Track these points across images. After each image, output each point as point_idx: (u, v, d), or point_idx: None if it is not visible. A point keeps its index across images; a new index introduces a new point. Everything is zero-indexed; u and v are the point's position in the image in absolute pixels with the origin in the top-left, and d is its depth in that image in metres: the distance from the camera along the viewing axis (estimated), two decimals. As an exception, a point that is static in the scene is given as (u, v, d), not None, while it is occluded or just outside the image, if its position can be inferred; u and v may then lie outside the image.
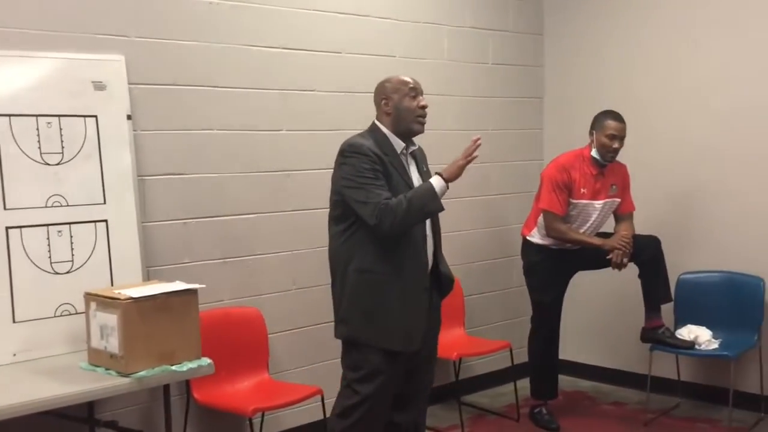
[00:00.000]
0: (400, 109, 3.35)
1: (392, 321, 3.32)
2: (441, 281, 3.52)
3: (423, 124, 3.40)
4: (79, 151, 3.56)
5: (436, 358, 3.71)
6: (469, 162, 3.29)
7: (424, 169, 3.51)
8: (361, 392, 3.36)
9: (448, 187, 3.28)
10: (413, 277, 3.34)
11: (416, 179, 3.41)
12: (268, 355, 4.18)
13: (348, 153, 3.29)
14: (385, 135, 3.37)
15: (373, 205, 3.18)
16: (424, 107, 3.38)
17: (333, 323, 3.50)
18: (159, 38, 3.87)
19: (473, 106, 5.33)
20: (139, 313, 3.10)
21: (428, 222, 3.42)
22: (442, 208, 3.29)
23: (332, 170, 3.41)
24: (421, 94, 3.40)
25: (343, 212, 3.34)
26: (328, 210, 3.45)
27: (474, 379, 5.37)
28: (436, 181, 3.25)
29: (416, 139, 3.49)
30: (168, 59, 3.91)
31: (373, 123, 3.43)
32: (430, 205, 3.24)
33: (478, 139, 3.27)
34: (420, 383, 3.58)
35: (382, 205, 3.17)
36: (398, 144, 3.38)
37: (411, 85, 3.37)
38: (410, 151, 3.43)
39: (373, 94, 3.46)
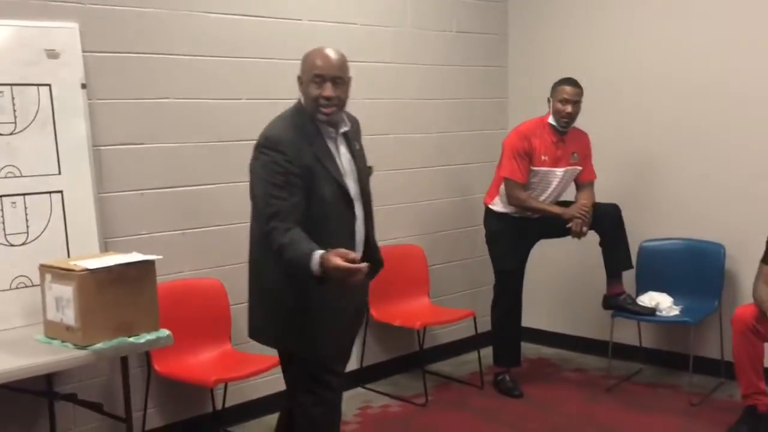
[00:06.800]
0: (305, 95, 3.02)
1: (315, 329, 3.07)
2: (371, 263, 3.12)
3: (327, 114, 2.99)
4: (32, 121, 3.50)
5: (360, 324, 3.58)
6: (347, 281, 2.81)
7: (357, 147, 3.16)
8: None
9: (319, 277, 2.81)
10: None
11: (347, 161, 3.09)
12: (230, 326, 4.16)
13: (263, 148, 2.98)
14: (310, 117, 3.03)
15: (268, 217, 2.91)
16: (327, 98, 2.96)
17: None
18: (113, 5, 3.79)
19: (437, 74, 5.30)
20: (95, 285, 3.07)
21: (359, 203, 3.11)
22: (313, 278, 2.87)
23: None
24: (329, 80, 2.96)
25: None
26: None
27: (438, 348, 5.39)
28: (315, 263, 2.78)
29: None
30: (123, 26, 3.83)
31: (298, 102, 3.09)
32: (300, 274, 2.88)
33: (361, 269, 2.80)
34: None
35: (276, 228, 2.87)
36: (325, 128, 3.04)
37: (317, 72, 2.96)
38: (341, 132, 3.09)
39: None
